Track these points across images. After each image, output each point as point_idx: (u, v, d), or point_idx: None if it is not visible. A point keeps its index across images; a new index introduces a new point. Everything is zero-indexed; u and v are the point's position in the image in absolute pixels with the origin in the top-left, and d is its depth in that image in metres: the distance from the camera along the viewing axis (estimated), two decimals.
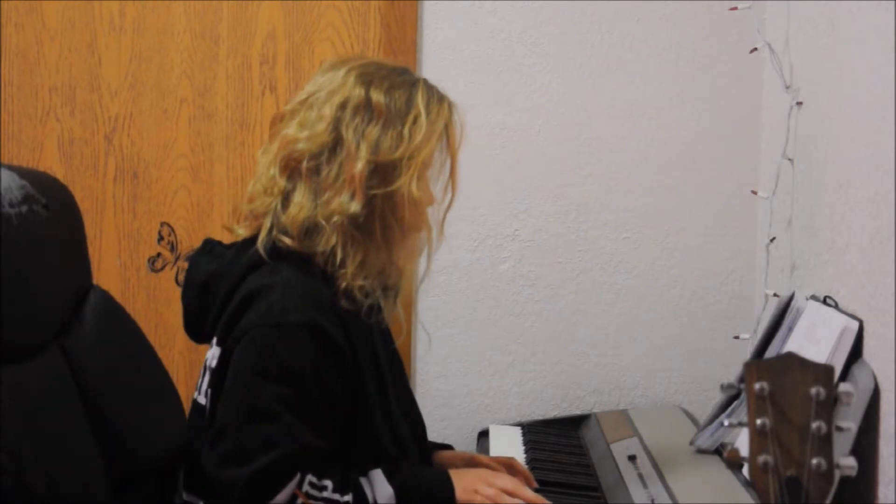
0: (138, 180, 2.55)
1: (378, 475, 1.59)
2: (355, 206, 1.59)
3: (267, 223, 1.62)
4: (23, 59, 2.54)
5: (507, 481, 1.68)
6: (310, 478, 1.52)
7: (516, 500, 1.64)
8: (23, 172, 1.60)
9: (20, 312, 1.52)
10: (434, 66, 2.41)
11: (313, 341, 1.54)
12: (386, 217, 1.62)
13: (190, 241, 2.54)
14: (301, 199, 1.60)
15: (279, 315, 1.53)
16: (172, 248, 2.56)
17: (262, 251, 1.60)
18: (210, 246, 1.72)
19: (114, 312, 1.78)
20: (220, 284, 1.64)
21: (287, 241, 1.60)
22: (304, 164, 1.61)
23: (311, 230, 1.60)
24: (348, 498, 1.54)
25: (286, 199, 1.62)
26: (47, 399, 1.56)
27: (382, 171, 1.60)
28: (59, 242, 1.66)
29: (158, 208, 2.55)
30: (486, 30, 2.43)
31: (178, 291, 2.54)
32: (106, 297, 1.78)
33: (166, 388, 1.86)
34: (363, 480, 1.59)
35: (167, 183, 2.55)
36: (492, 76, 2.43)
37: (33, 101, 2.55)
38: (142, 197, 2.55)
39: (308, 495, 1.51)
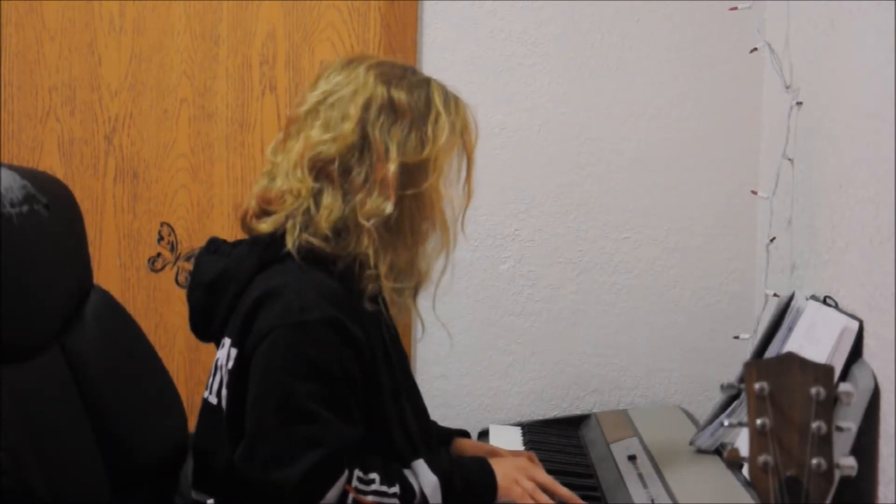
0: (138, 180, 2.55)
1: (421, 465, 1.62)
2: (389, 208, 1.59)
3: (294, 224, 1.61)
4: (23, 59, 2.54)
5: (545, 477, 1.70)
6: (357, 473, 1.54)
7: (552, 500, 1.66)
8: (24, 172, 1.60)
9: (20, 312, 1.52)
10: (434, 66, 2.41)
11: (335, 336, 1.54)
12: (414, 217, 1.63)
13: (190, 241, 2.54)
14: (331, 201, 1.60)
15: (299, 313, 1.54)
16: (172, 248, 2.56)
17: (293, 253, 1.59)
18: (215, 245, 1.72)
19: (114, 312, 1.78)
20: (229, 284, 1.63)
21: (316, 242, 1.60)
22: (333, 166, 1.60)
23: (341, 232, 1.60)
24: (395, 489, 1.56)
25: (315, 201, 1.61)
26: (47, 399, 1.56)
27: (410, 172, 1.61)
28: (60, 242, 1.66)
29: (158, 208, 2.55)
30: (486, 30, 2.43)
31: (178, 291, 2.56)
32: (106, 297, 1.78)
33: (166, 387, 1.86)
34: (407, 472, 1.61)
35: (167, 183, 2.55)
36: (492, 76, 2.43)
37: (33, 101, 2.55)
38: (142, 197, 2.55)
39: (357, 490, 1.53)
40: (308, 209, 1.60)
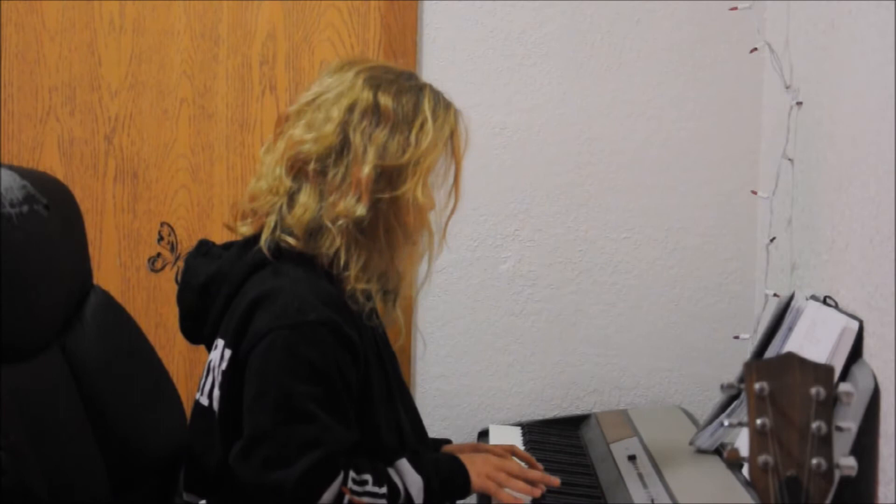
0: (138, 180, 2.55)
1: (405, 465, 1.63)
2: (361, 210, 1.59)
3: (270, 222, 1.62)
4: (23, 59, 2.54)
5: (513, 465, 1.75)
6: (352, 474, 1.55)
7: (522, 483, 1.71)
8: (24, 172, 1.60)
9: (20, 312, 1.52)
10: (434, 66, 2.41)
11: (332, 338, 1.55)
12: (390, 221, 1.63)
13: (190, 241, 2.54)
14: (306, 200, 1.61)
15: (297, 315, 1.54)
16: (172, 248, 2.56)
17: (265, 250, 1.61)
18: (206, 247, 1.72)
19: (114, 312, 1.78)
20: (221, 286, 1.64)
21: (291, 241, 1.61)
22: (311, 166, 1.61)
23: (315, 231, 1.61)
24: (384, 490, 1.58)
25: (291, 199, 1.62)
26: (48, 399, 1.56)
27: (388, 176, 1.61)
28: (60, 242, 1.66)
29: (158, 208, 2.55)
30: (486, 30, 2.43)
31: None
32: (106, 298, 1.78)
33: (166, 387, 1.86)
34: (391, 471, 1.62)
35: (167, 183, 2.55)
36: (492, 76, 2.43)
37: (33, 101, 2.55)
38: (142, 197, 2.55)
39: (352, 492, 1.54)
40: (282, 207, 1.62)
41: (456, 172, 1.71)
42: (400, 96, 1.63)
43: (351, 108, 1.62)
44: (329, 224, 1.59)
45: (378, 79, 1.64)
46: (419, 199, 1.62)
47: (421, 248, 1.70)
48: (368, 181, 1.59)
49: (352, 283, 1.60)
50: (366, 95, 1.62)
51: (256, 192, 1.67)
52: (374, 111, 1.62)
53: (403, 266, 1.69)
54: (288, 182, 1.62)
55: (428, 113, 1.64)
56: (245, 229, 1.68)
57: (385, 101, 1.62)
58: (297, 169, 1.63)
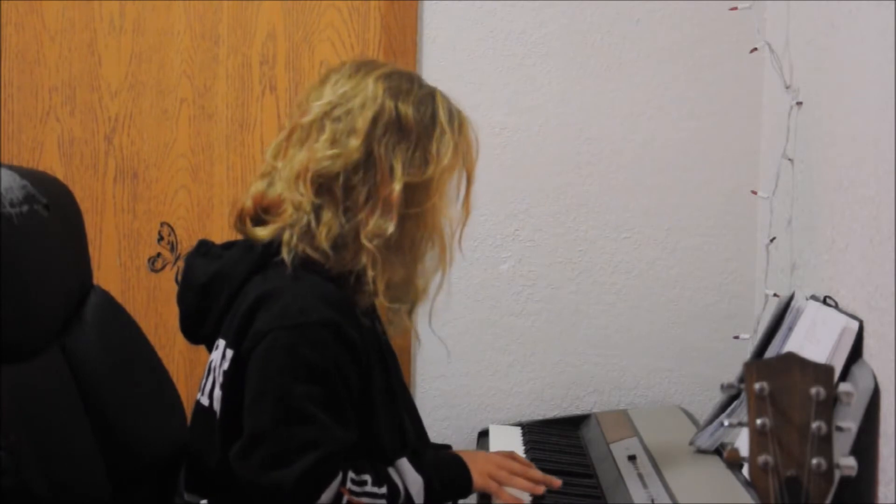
0: (138, 180, 2.55)
1: (405, 464, 1.64)
2: (391, 228, 1.59)
3: (292, 236, 1.60)
4: (23, 59, 2.54)
5: (514, 464, 1.76)
6: (351, 475, 1.55)
7: (524, 480, 1.72)
8: (24, 172, 1.60)
9: (20, 312, 1.52)
10: (434, 66, 2.41)
11: (333, 338, 1.55)
12: (415, 236, 1.63)
13: (190, 241, 2.54)
14: (331, 217, 1.59)
15: (298, 315, 1.54)
16: (172, 248, 2.56)
17: (288, 264, 1.59)
18: (206, 247, 1.72)
19: (114, 312, 1.78)
20: (223, 286, 1.63)
21: (314, 255, 1.59)
22: (337, 183, 1.59)
23: (340, 248, 1.59)
24: (384, 490, 1.58)
25: (316, 215, 1.60)
26: (48, 399, 1.56)
27: (413, 192, 1.61)
28: (60, 242, 1.66)
29: (158, 208, 2.55)
30: (486, 30, 2.43)
31: None
32: (106, 297, 1.78)
33: (166, 387, 1.86)
34: (391, 470, 1.62)
35: (167, 183, 2.55)
36: (492, 76, 2.43)
37: (33, 101, 2.55)
38: (142, 197, 2.55)
39: (351, 492, 1.54)
40: (308, 223, 1.60)
41: (468, 182, 1.70)
42: (419, 107, 1.62)
43: (375, 121, 1.60)
44: (366, 242, 1.58)
45: (397, 88, 1.63)
46: (443, 212, 1.63)
47: (437, 260, 1.70)
48: (398, 199, 1.59)
49: (379, 300, 1.60)
50: (388, 106, 1.60)
51: (270, 199, 1.64)
52: (397, 124, 1.60)
53: (423, 278, 1.69)
54: (311, 197, 1.59)
55: (445, 124, 1.63)
56: (262, 234, 1.64)
57: (406, 111, 1.61)
58: (320, 185, 1.60)
